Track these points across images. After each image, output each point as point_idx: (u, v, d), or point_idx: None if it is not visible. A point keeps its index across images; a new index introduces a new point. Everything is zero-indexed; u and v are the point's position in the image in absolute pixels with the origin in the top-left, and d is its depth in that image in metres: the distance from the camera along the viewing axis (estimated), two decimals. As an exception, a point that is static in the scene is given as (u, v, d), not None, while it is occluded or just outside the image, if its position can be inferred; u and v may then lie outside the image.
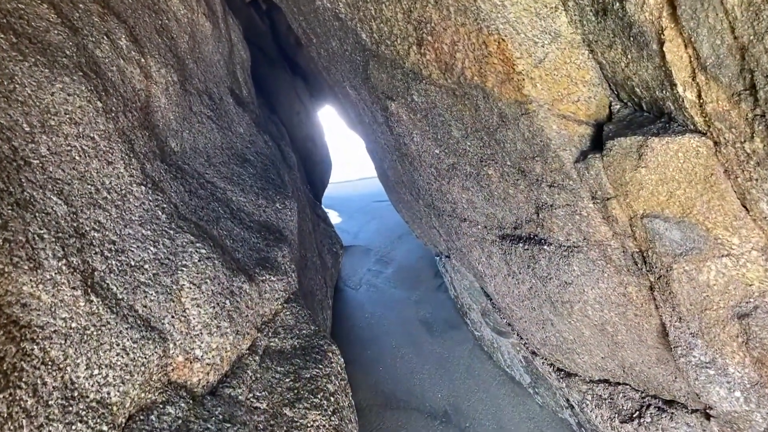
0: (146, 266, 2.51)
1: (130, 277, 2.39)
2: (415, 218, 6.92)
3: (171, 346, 2.41)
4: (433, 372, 6.77)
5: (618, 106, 2.86)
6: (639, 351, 3.12)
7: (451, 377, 6.60)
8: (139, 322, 2.30)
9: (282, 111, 8.86)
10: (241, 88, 5.15)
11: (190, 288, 2.65)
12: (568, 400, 4.16)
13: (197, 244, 2.83)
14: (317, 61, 6.22)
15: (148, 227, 2.66)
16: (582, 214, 2.90)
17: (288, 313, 3.45)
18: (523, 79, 2.76)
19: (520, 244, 3.36)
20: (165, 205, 2.85)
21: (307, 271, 4.69)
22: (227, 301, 2.83)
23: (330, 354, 3.37)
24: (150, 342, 2.28)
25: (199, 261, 2.77)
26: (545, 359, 4.03)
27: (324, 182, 10.95)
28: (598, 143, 2.85)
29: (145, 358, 2.23)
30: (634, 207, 2.67)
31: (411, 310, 8.64)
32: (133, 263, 2.45)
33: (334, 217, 12.31)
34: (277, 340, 3.23)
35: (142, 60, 3.28)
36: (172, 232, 2.76)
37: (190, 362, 2.50)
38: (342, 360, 3.46)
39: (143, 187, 2.77)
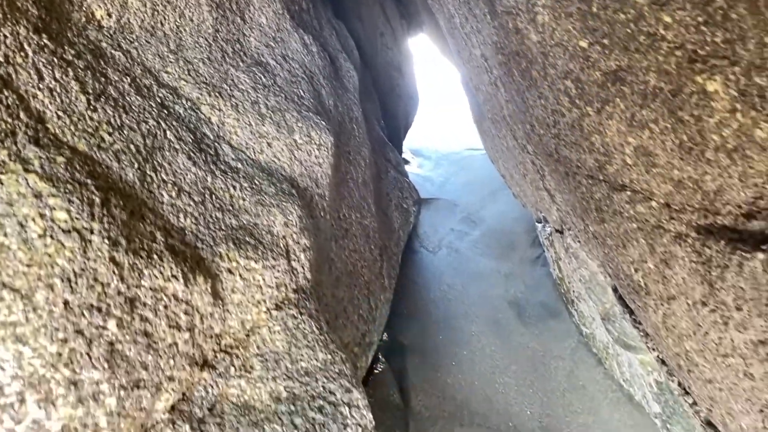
0: None
1: None
2: (514, 173, 4.93)
3: None
4: (523, 376, 5.13)
5: None
6: None
7: (545, 386, 4.93)
8: None
9: (359, 27, 7.04)
10: (277, -36, 3.46)
11: None
12: None
13: (53, 199, 1.32)
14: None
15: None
16: None
17: (278, 328, 1.89)
18: None
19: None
20: None
21: (346, 240, 3.10)
22: (110, 328, 1.33)
23: (347, 415, 1.80)
24: None
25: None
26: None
27: (408, 121, 9.11)
28: None
29: None
30: None
31: (499, 286, 6.96)
32: None
33: (415, 165, 10.52)
34: (244, 383, 1.71)
35: None
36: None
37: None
38: (371, 422, 1.87)
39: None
